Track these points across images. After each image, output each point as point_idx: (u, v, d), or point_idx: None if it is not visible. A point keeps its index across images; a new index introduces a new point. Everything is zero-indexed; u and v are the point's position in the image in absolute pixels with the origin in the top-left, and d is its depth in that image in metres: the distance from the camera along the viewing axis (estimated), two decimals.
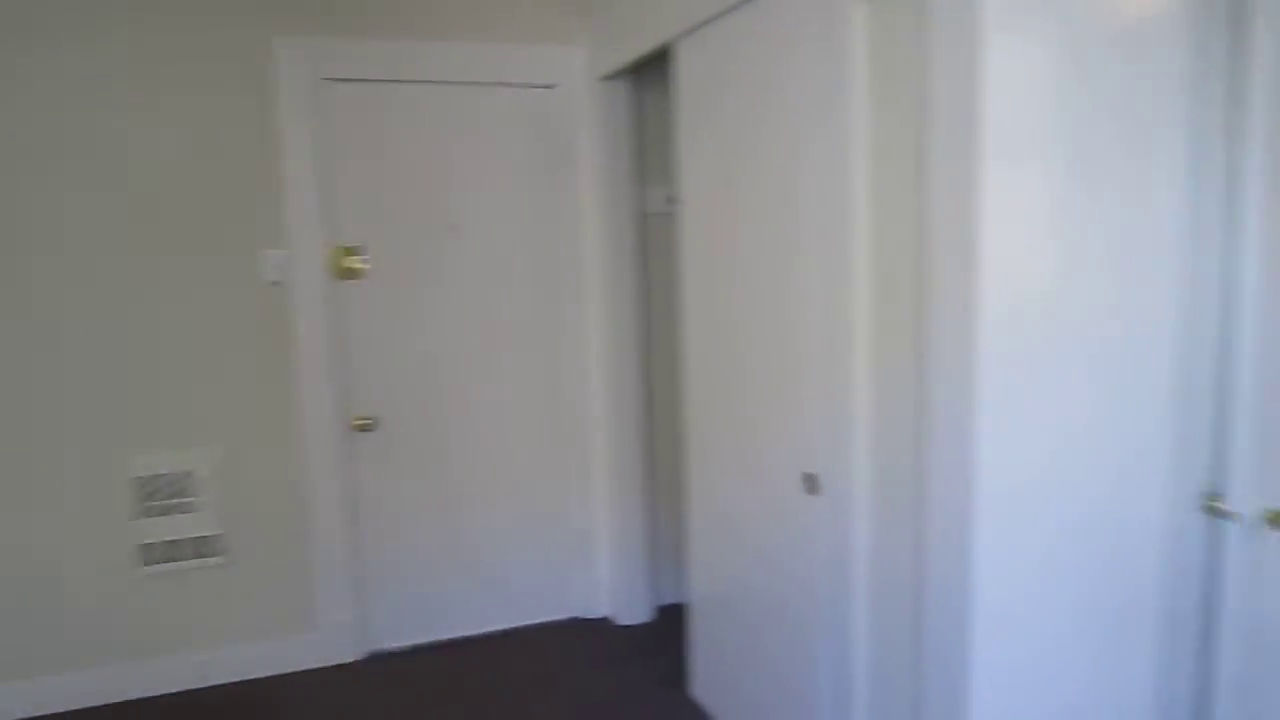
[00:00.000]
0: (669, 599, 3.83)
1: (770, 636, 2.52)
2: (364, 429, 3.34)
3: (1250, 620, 1.91)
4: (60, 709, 3.10)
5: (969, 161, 1.64)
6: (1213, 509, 1.99)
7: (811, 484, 2.25)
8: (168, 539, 3.15)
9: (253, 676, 3.30)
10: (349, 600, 3.38)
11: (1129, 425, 1.88)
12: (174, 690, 3.22)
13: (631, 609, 3.69)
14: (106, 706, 3.14)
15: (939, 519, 1.81)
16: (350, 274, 3.28)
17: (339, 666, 3.39)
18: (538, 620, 3.71)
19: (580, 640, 3.57)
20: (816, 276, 2.14)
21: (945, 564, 1.81)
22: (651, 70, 3.31)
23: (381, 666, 3.39)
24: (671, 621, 3.69)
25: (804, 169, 2.15)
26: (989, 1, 1.57)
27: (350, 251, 3.27)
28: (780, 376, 2.33)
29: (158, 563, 3.14)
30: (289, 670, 3.35)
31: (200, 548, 3.19)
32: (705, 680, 3.01)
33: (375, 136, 3.25)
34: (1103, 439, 1.85)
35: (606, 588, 3.75)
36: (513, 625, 3.67)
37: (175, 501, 3.14)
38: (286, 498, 3.28)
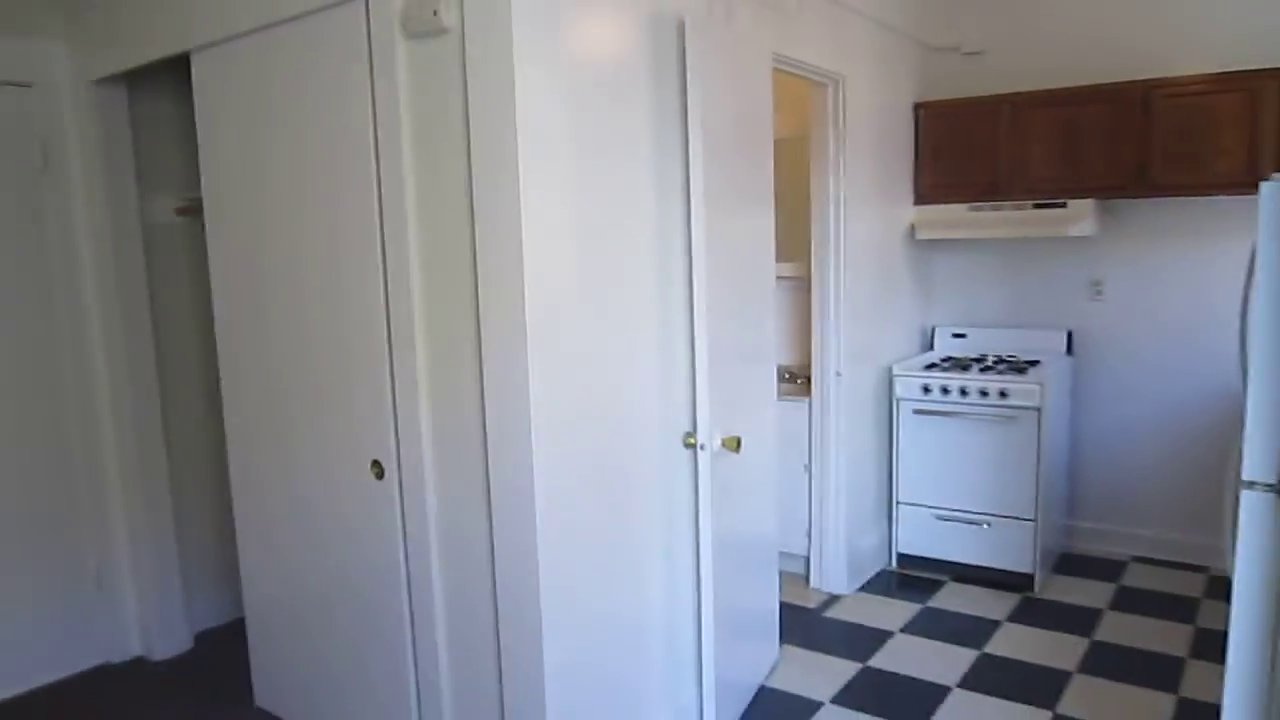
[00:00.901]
0: (208, 623, 3.71)
1: (349, 619, 2.71)
2: None
3: (716, 521, 2.65)
4: None
5: (512, 181, 2.08)
6: (690, 443, 2.70)
7: (379, 470, 2.50)
8: None
9: None
10: None
11: (634, 387, 2.50)
12: None
13: (168, 641, 3.52)
14: None
15: (504, 472, 2.23)
16: None
17: None
18: (53, 678, 3.32)
19: (115, 686, 3.31)
20: (370, 283, 2.40)
21: (512, 508, 2.23)
22: (155, 76, 3.19)
23: None
24: (215, 644, 3.60)
25: (352, 184, 2.39)
26: (518, 53, 2.02)
27: None
28: (342, 375, 2.54)
29: None
30: None
31: None
32: (273, 686, 3.06)
33: None
34: (616, 398, 2.43)
35: (136, 623, 3.50)
36: (15, 692, 3.24)
37: None
38: None
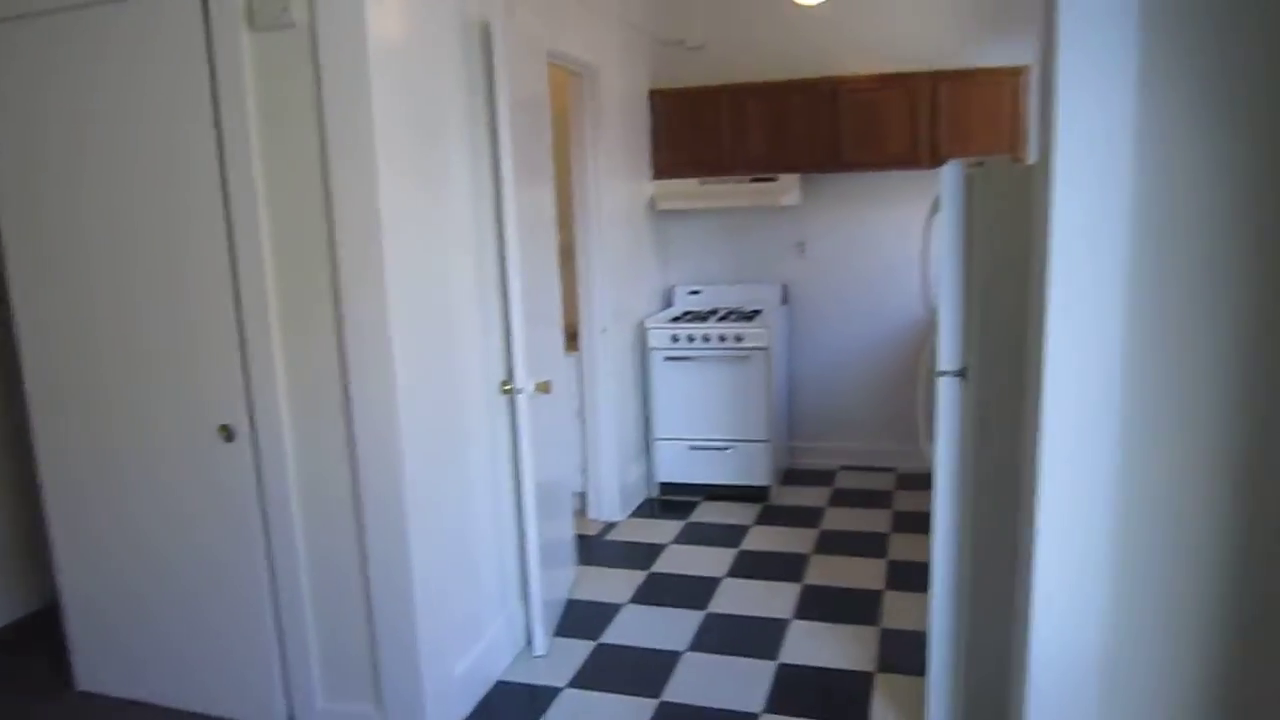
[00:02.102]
0: (6, 618, 3.54)
1: (201, 587, 2.80)
2: None
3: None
4: None
5: (370, 161, 2.36)
6: (506, 390, 3.09)
7: (228, 433, 2.66)
8: None
9: None
10: None
11: (462, 342, 2.85)
12: None
13: None
14: None
15: (370, 424, 2.51)
16: None
17: None
18: None
19: None
20: (215, 259, 2.54)
21: (378, 456, 2.52)
22: None
23: None
24: (10, 642, 3.45)
25: (191, 161, 2.51)
26: (370, 46, 2.30)
27: None
28: (188, 345, 2.64)
29: None
30: None
31: None
32: (99, 667, 3.04)
33: None
34: (449, 353, 2.77)
35: None
36: None
37: None
38: None
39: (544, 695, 2.97)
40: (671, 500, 4.82)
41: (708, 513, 4.61)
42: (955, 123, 4.52)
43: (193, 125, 2.49)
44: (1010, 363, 2.26)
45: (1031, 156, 4.49)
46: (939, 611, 2.52)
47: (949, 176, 2.32)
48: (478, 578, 3.01)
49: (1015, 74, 4.43)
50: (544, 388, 3.13)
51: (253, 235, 2.50)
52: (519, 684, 3.05)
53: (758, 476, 4.72)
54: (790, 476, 5.09)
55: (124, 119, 2.57)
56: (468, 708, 2.89)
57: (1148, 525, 1.99)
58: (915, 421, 4.96)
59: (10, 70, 2.68)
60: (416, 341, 2.58)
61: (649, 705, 2.89)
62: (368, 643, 2.68)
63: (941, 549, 2.48)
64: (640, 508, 4.74)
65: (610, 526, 4.47)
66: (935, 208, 2.83)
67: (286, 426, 2.61)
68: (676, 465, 4.83)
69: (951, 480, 2.45)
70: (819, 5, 4.54)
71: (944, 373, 2.40)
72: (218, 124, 2.46)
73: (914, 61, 4.62)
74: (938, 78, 4.51)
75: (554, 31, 3.67)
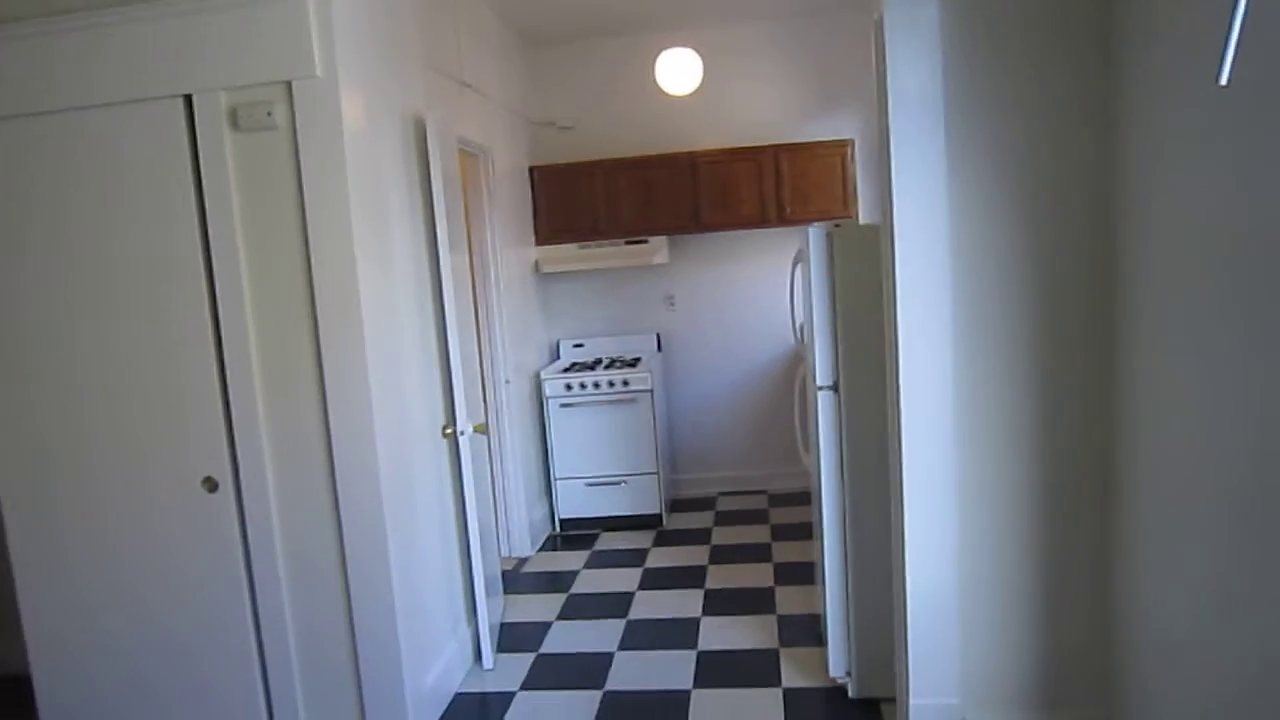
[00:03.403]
0: None
1: (185, 634, 3.06)
2: None
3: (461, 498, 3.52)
4: None
5: (347, 238, 2.80)
6: (447, 433, 3.53)
7: (211, 484, 2.97)
8: None
9: None
10: None
11: (411, 392, 3.27)
12: None
13: None
14: None
15: (351, 467, 2.89)
16: None
17: None
18: None
19: None
20: (199, 324, 2.88)
21: (360, 490, 2.91)
22: None
23: None
24: None
25: (180, 246, 2.87)
26: (347, 146, 2.76)
27: None
28: (174, 408, 2.94)
29: None
30: None
31: None
32: None
33: None
34: (403, 403, 3.19)
35: None
36: None
37: None
38: None
39: (501, 700, 3.38)
40: (573, 534, 5.29)
41: (609, 541, 5.11)
42: (796, 187, 5.33)
43: (178, 209, 2.85)
44: (869, 377, 2.94)
45: (862, 215, 5.36)
46: (831, 577, 3.13)
47: (814, 235, 2.99)
48: (432, 604, 3.40)
49: (842, 146, 5.29)
50: (481, 429, 3.59)
51: (236, 306, 2.87)
52: (476, 693, 3.45)
53: (650, 505, 5.27)
54: (676, 505, 5.67)
55: (109, 204, 2.89)
56: (435, 716, 3.26)
57: (978, 492, 2.70)
58: (783, 444, 5.68)
59: None
60: (383, 395, 3.00)
61: (595, 696, 3.35)
62: (350, 662, 3.02)
63: (830, 527, 3.11)
64: (546, 543, 5.19)
65: (523, 561, 4.89)
66: (798, 259, 3.54)
67: (270, 475, 2.95)
68: (576, 501, 5.32)
69: (832, 471, 3.08)
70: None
71: (821, 387, 3.05)
72: (202, 210, 2.84)
73: (759, 137, 5.42)
74: (779, 150, 5.31)
75: (456, 118, 4.19)
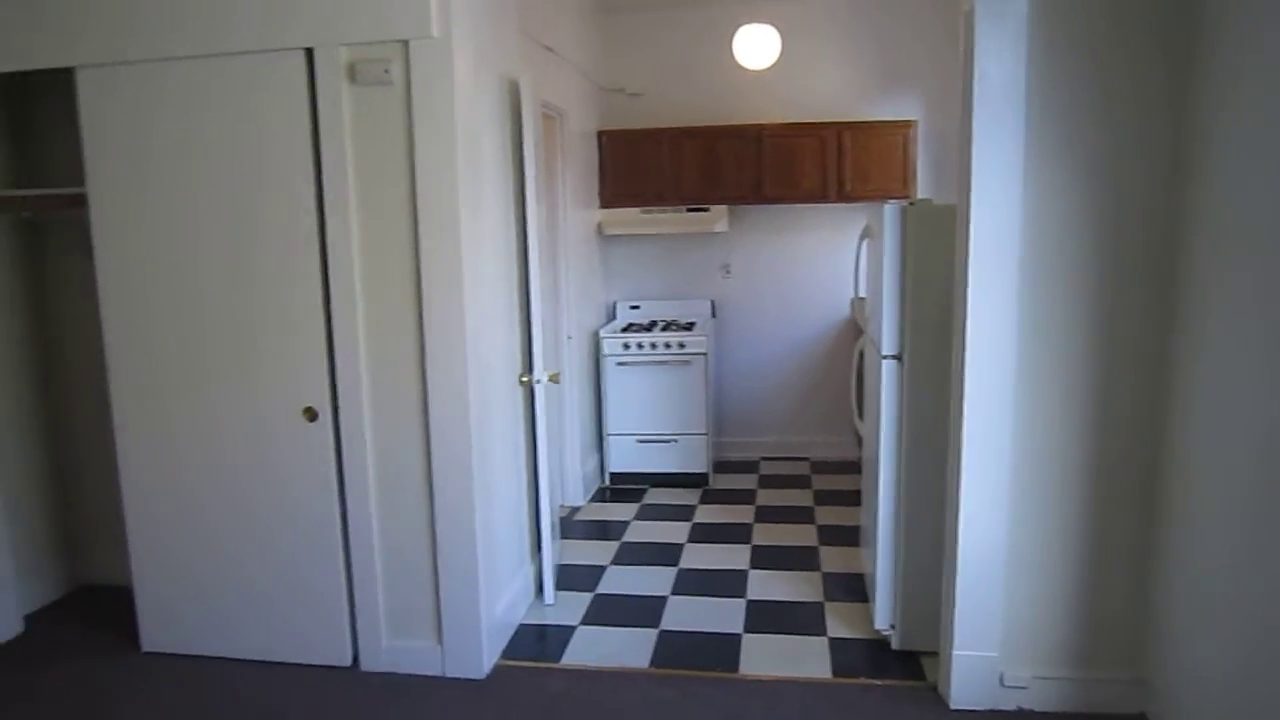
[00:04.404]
0: (33, 606, 3.88)
1: (280, 548, 3.31)
2: None
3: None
4: None
5: (452, 193, 3.00)
6: (523, 381, 3.74)
7: (311, 414, 3.21)
8: None
9: None
10: None
11: (493, 340, 3.47)
12: None
13: (3, 626, 3.66)
14: None
15: (443, 398, 3.11)
16: None
17: None
18: None
19: None
20: (308, 265, 3.11)
21: (450, 426, 3.13)
22: None
23: None
24: (51, 620, 3.81)
25: (295, 190, 3.08)
26: (458, 104, 2.95)
27: None
28: (283, 339, 3.17)
29: None
30: None
31: None
32: (166, 629, 3.47)
33: None
34: (486, 349, 3.38)
35: None
36: None
37: None
38: None
39: (562, 632, 3.62)
40: (622, 488, 5.52)
41: (657, 496, 5.33)
42: (857, 165, 5.45)
43: (296, 156, 3.06)
44: (933, 348, 3.11)
45: (920, 194, 5.48)
46: (884, 537, 3.32)
47: (889, 213, 3.15)
48: (503, 539, 3.63)
49: (905, 126, 5.41)
50: (555, 378, 3.80)
51: (344, 250, 3.09)
52: (538, 624, 3.69)
53: (697, 465, 5.48)
54: (720, 466, 5.88)
55: (231, 147, 3.11)
56: (503, 643, 3.50)
57: (1031, 461, 2.88)
58: (826, 412, 5.86)
59: (114, 109, 3.17)
60: (474, 340, 3.20)
61: (651, 634, 3.57)
62: (431, 588, 3.25)
63: (885, 488, 3.29)
64: (596, 494, 5.42)
65: (576, 509, 5.13)
66: (866, 233, 3.69)
67: (366, 406, 3.18)
68: (626, 456, 5.53)
69: (891, 436, 3.26)
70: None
71: (886, 356, 3.22)
72: (317, 157, 3.05)
73: (823, 113, 5.55)
74: (843, 127, 5.43)
75: (539, 81, 4.35)
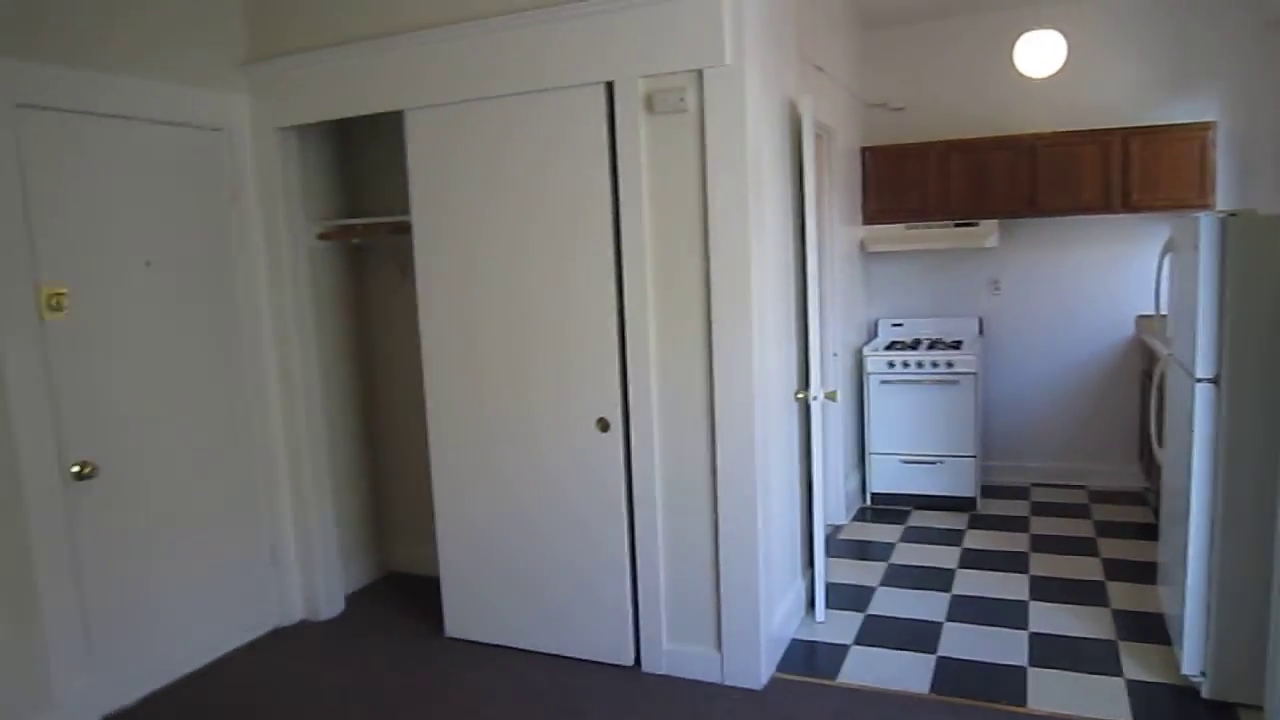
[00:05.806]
0: (352, 587, 4.40)
1: (571, 550, 3.56)
2: (83, 476, 3.24)
3: (796, 465, 3.75)
4: None
5: (743, 218, 3.11)
6: (799, 397, 3.78)
7: (604, 424, 3.42)
8: None
9: None
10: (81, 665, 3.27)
11: (775, 358, 3.54)
12: None
13: (329, 604, 4.18)
14: None
15: (729, 414, 3.22)
16: (54, 310, 3.16)
17: None
18: (242, 642, 3.91)
19: (298, 644, 3.95)
20: (603, 283, 3.34)
21: (735, 441, 3.23)
22: (317, 126, 3.94)
23: None
24: (365, 601, 4.30)
25: (592, 212, 3.32)
26: (749, 129, 3.06)
27: (54, 289, 3.15)
28: (578, 354, 3.42)
29: None
30: None
31: None
32: (466, 617, 3.83)
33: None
34: (770, 367, 3.45)
35: (300, 592, 4.14)
36: (219, 655, 3.81)
37: None
38: None
39: (836, 650, 3.62)
40: (884, 508, 5.43)
41: (921, 519, 5.20)
42: (1145, 172, 5.07)
43: (592, 178, 3.30)
44: (1257, 371, 2.84)
45: (1220, 204, 5.02)
46: (1194, 575, 3.07)
47: (1205, 225, 2.92)
48: (778, 553, 3.69)
49: (1204, 129, 4.97)
50: (831, 396, 3.82)
51: (639, 272, 3.28)
52: (810, 641, 3.71)
53: (965, 488, 5.29)
54: (987, 491, 5.63)
55: (536, 174, 3.41)
56: (778, 656, 3.56)
57: None
58: (1107, 439, 5.48)
59: (434, 144, 3.56)
60: (760, 358, 3.29)
61: (929, 659, 3.50)
62: (712, 596, 3.37)
63: (1197, 522, 3.04)
64: (857, 514, 5.36)
65: (838, 528, 5.10)
66: (1169, 247, 3.45)
67: (656, 420, 3.35)
68: (889, 476, 5.44)
69: (1205, 465, 3.01)
70: (1011, 70, 5.14)
71: (1200, 379, 2.99)
72: (615, 184, 3.27)
73: (1104, 119, 5.21)
74: (1128, 133, 5.08)
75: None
